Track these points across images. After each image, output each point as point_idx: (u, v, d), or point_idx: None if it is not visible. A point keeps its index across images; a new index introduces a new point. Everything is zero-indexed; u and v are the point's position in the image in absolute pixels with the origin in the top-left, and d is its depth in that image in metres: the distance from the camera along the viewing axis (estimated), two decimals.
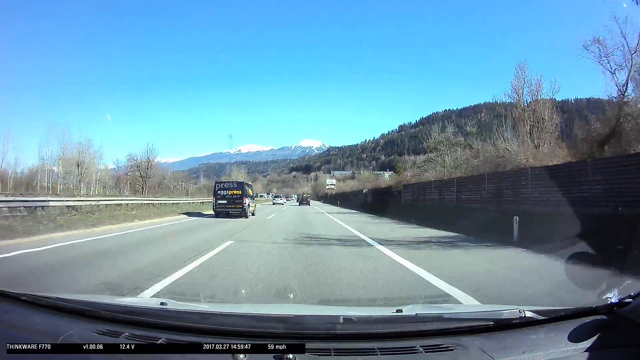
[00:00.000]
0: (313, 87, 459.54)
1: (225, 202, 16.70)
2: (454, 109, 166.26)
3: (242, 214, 16.46)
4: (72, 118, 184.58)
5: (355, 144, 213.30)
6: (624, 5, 11.23)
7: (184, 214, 18.94)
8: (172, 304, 1.68)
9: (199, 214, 19.36)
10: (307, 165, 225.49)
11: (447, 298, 3.53)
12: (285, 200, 61.76)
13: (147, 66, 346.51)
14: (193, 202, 31.55)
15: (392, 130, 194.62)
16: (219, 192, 17.04)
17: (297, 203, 52.11)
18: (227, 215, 16.45)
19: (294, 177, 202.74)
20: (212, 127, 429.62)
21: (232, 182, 19.43)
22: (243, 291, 3.71)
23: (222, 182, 18.79)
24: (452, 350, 1.27)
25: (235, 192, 16.83)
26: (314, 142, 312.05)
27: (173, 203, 27.54)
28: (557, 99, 19.31)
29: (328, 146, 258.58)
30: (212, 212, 18.18)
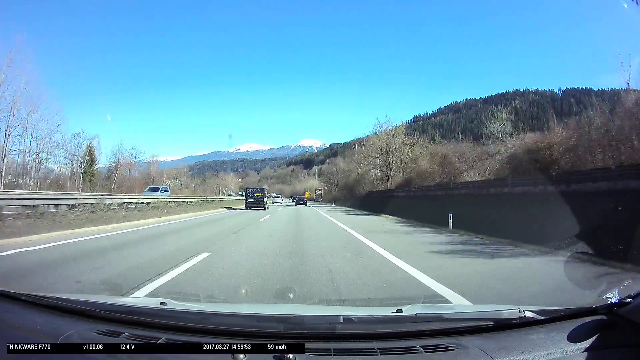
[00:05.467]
0: (314, 86, 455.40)
1: (252, 200, 27.02)
2: (477, 97, 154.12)
3: (263, 207, 26.65)
4: (72, 117, 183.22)
5: (365, 135, 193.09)
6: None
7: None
8: (172, 304, 1.68)
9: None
10: (308, 159, 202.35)
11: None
12: (282, 200, 59.98)
13: (146, 66, 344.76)
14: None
15: (407, 122, 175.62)
16: (248, 194, 27.89)
17: (294, 204, 47.11)
18: (251, 208, 26.17)
19: (292, 171, 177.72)
20: (212, 126, 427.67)
21: (257, 188, 30.93)
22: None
23: (251, 188, 30.14)
24: (452, 350, 1.27)
25: (258, 194, 27.56)
26: (314, 141, 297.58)
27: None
28: None
29: (329, 144, 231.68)
30: (238, 207, 29.70)
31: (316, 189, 72.84)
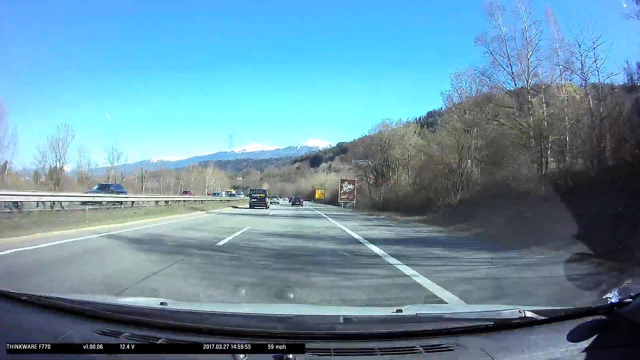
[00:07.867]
0: (318, 85, 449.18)
1: (256, 200, 30.64)
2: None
3: (264, 206, 30.17)
4: (72, 117, 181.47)
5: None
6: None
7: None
8: (172, 304, 1.68)
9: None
10: (315, 157, 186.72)
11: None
12: (279, 200, 55.31)
13: (148, 66, 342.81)
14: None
15: (420, 117, 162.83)
16: (252, 194, 32.20)
17: (290, 204, 43.78)
18: (254, 207, 29.30)
19: (297, 168, 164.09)
20: (218, 127, 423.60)
21: (260, 189, 37.78)
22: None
23: (255, 190, 37.18)
24: (452, 350, 1.27)
25: (261, 195, 31.73)
26: (320, 142, 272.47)
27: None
28: None
29: (337, 143, 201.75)
30: (242, 207, 32.20)
31: (343, 180, 38.01)
